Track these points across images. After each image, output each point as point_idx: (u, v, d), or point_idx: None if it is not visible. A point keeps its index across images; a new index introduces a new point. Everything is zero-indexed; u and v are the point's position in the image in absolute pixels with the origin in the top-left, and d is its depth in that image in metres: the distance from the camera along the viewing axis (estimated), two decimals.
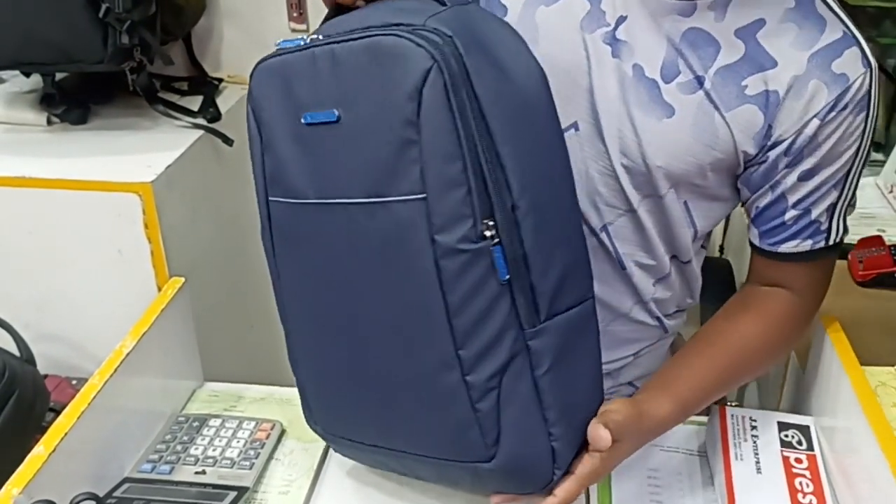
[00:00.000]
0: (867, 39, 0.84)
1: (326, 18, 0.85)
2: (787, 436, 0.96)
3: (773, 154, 0.85)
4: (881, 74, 0.85)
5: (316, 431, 0.91)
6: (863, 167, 0.88)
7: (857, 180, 0.88)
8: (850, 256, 1.34)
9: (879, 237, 1.35)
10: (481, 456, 0.77)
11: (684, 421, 0.88)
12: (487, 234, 0.71)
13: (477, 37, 0.72)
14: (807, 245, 0.89)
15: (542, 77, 0.74)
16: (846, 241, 1.40)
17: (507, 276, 0.72)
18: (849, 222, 0.92)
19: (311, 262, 0.81)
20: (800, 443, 0.95)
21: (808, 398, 1.03)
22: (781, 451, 0.94)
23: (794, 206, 0.87)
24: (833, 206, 0.88)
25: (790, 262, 0.90)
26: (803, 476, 0.91)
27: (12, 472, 0.80)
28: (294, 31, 1.60)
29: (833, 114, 0.82)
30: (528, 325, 0.74)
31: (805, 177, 0.86)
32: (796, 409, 1.06)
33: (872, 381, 0.99)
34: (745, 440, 0.95)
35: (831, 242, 0.90)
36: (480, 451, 0.77)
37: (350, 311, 0.80)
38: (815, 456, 0.93)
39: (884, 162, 1.67)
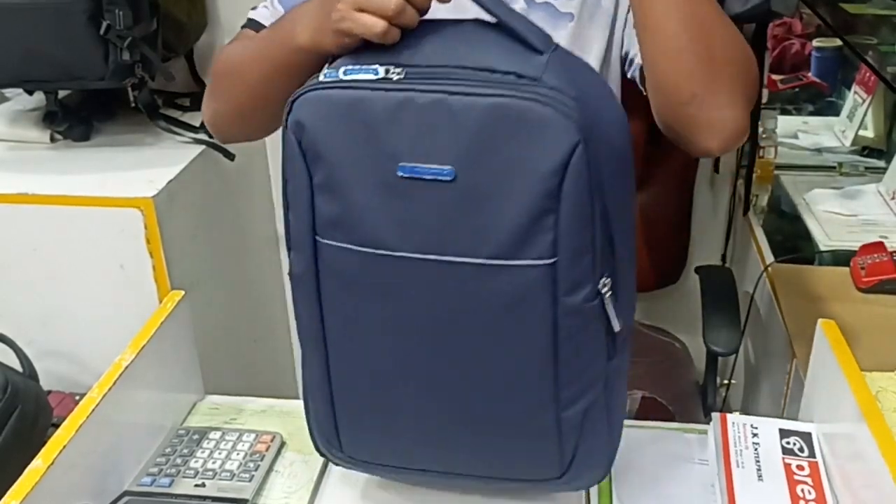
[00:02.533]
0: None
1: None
2: (788, 443, 0.95)
3: None
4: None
5: (332, 456, 0.87)
6: None
7: None
8: (852, 263, 1.34)
9: (881, 244, 1.35)
10: (552, 475, 0.80)
11: None
12: (603, 290, 0.72)
13: (585, 92, 0.68)
14: None
15: (626, 124, 0.73)
16: (848, 248, 1.42)
17: (620, 326, 0.74)
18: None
19: (379, 312, 0.77)
20: (801, 450, 0.95)
21: (810, 405, 1.02)
22: (783, 458, 0.93)
23: None
24: None
25: None
26: (805, 483, 0.90)
27: None
28: None
29: None
30: (610, 358, 0.77)
31: None
32: (798, 415, 1.05)
33: (873, 386, 0.99)
34: (747, 447, 0.94)
35: None
36: (553, 472, 0.80)
37: (426, 358, 0.77)
38: (816, 463, 0.93)
39: (885, 169, 1.66)
